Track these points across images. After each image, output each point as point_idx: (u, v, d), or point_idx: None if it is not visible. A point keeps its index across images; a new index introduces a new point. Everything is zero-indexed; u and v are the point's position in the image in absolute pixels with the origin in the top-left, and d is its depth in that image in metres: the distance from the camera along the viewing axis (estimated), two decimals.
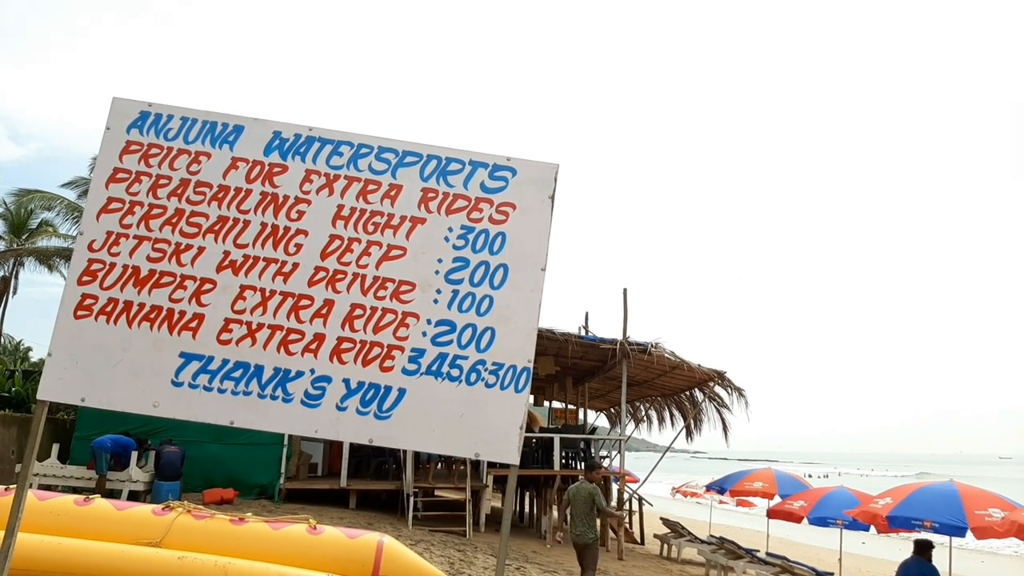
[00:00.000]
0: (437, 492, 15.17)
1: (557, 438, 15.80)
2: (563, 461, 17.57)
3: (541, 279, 3.54)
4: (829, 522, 11.73)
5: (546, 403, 25.03)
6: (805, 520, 12.26)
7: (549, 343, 15.85)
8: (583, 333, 17.33)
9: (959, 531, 9.13)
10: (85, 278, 3.43)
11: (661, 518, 18.08)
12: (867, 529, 11.05)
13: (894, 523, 9.54)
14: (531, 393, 22.12)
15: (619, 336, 15.84)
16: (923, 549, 9.35)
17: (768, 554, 12.96)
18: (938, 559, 9.50)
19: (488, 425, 3.39)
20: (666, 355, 15.62)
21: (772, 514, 13.41)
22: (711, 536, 15.84)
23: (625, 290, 16.60)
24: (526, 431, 18.01)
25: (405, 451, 12.98)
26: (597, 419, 27.26)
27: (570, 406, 22.59)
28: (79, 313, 3.39)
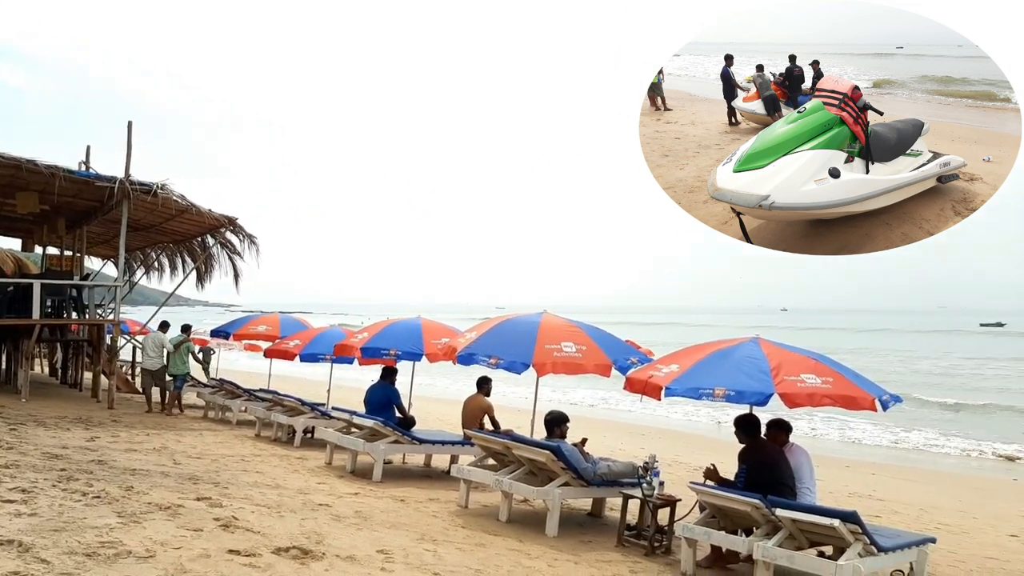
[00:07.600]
0: None
1: (37, 284, 14.06)
2: (49, 311, 15.79)
3: None
4: (319, 358, 12.72)
5: (39, 248, 21.89)
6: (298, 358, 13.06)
7: (32, 177, 13.71)
8: (84, 169, 15.30)
9: (416, 357, 10.80)
10: None
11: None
12: (351, 362, 12.33)
13: (367, 354, 10.84)
14: (17, 236, 19.11)
15: (121, 175, 14.43)
16: (388, 374, 10.92)
17: (262, 390, 13.65)
18: (401, 384, 11.17)
19: None
20: (174, 198, 14.81)
21: (269, 353, 14.06)
22: (213, 379, 16.06)
23: (130, 123, 15.02)
24: (4, 276, 15.57)
25: None
26: (104, 267, 24.94)
27: (69, 252, 20.13)
28: None
